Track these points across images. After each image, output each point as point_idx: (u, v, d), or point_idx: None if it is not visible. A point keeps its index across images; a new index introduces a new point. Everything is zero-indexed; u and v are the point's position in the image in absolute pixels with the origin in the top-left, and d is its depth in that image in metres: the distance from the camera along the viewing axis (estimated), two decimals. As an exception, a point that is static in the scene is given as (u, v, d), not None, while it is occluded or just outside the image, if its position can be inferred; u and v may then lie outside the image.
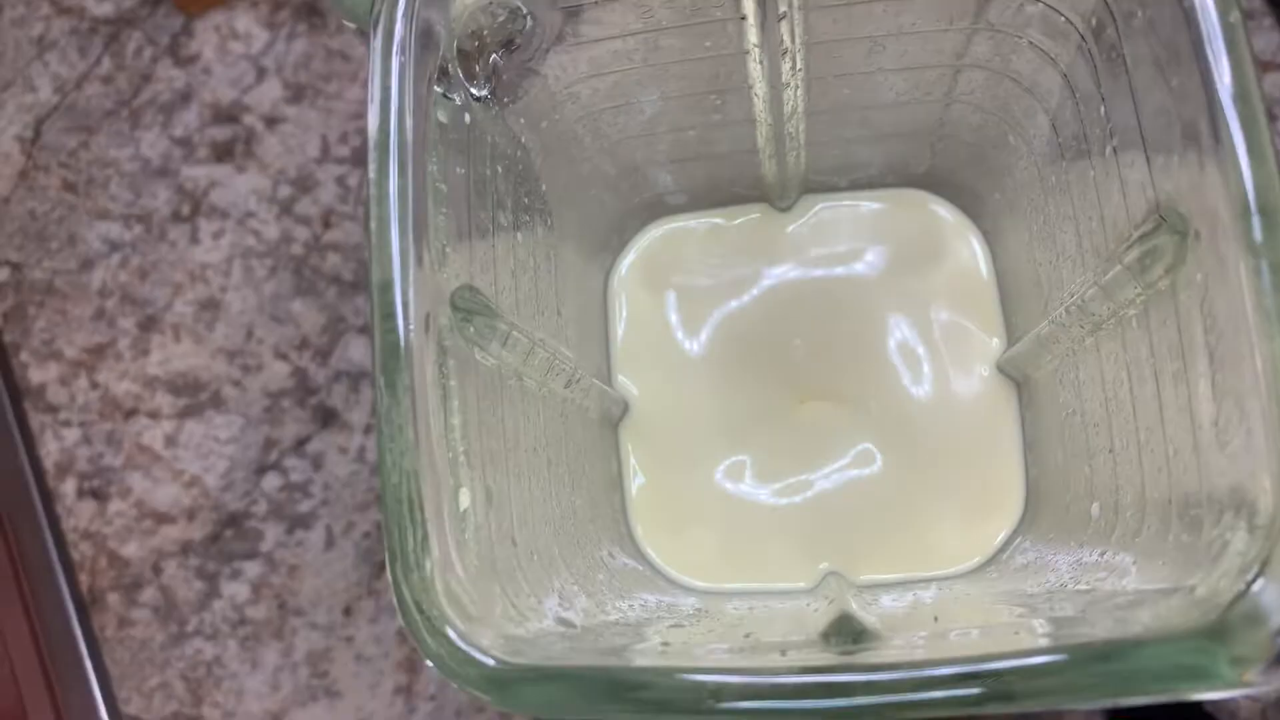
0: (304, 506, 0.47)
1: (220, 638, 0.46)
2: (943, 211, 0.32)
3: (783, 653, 0.19)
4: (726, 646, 0.21)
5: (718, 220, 0.33)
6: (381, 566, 0.45)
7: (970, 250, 0.32)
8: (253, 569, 0.46)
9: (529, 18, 0.23)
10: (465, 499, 0.21)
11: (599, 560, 0.27)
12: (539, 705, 0.17)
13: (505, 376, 0.24)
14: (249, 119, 0.49)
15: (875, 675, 0.17)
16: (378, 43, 0.20)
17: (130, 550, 0.47)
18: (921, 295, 0.32)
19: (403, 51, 0.20)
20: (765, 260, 0.33)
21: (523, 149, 0.25)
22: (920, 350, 0.32)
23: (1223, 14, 0.19)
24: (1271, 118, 0.52)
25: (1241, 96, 0.19)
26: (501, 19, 0.22)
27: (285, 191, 0.49)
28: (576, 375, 0.27)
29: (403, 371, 0.20)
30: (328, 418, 0.47)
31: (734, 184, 0.31)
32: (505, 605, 0.20)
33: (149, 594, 0.46)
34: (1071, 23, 0.23)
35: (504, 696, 0.17)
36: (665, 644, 0.21)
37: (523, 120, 0.25)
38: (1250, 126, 0.19)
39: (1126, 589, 0.20)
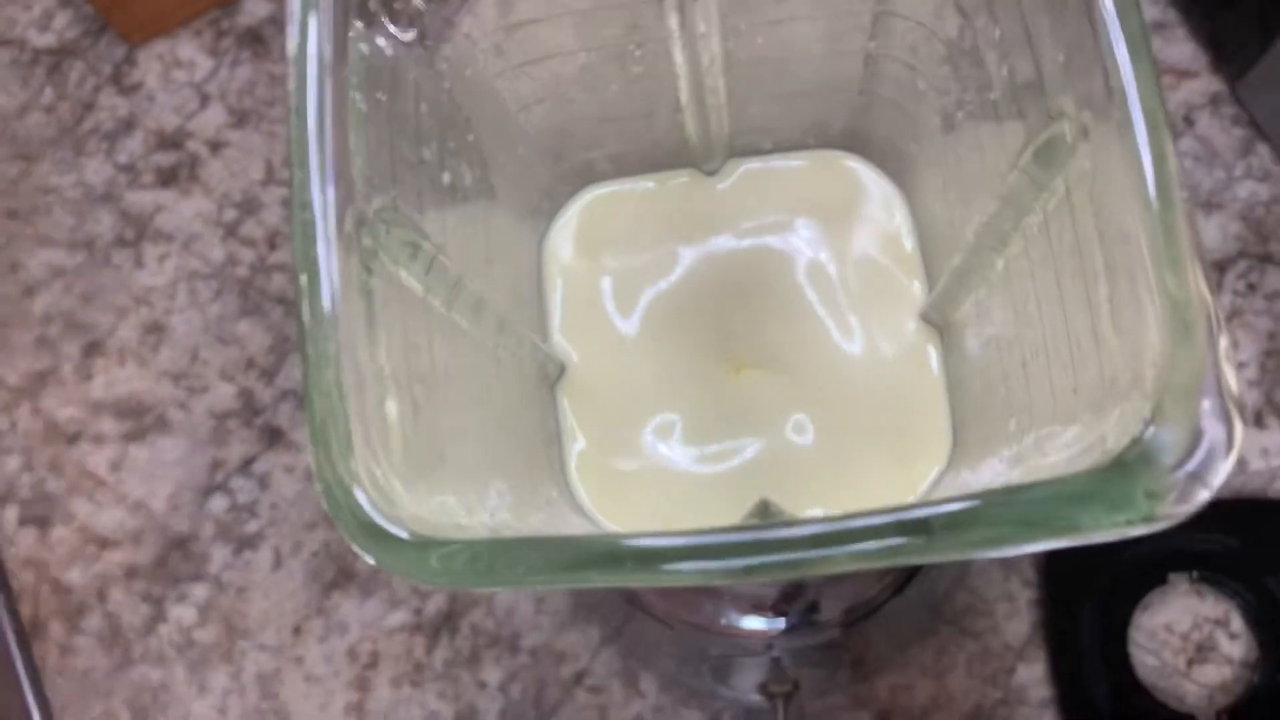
0: (251, 527, 0.46)
1: (167, 662, 0.45)
2: (864, 170, 0.33)
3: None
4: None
5: (648, 184, 0.34)
6: (331, 585, 0.45)
7: (891, 207, 0.33)
8: (200, 592, 0.46)
9: (447, -41, 0.24)
10: (392, 409, 0.21)
11: (535, 503, 0.27)
12: (465, 571, 0.18)
13: (433, 306, 0.24)
14: (193, 144, 0.49)
15: (800, 529, 0.18)
16: (297, -34, 0.21)
17: (73, 577, 0.46)
18: (846, 254, 0.33)
19: (322, -26, 0.21)
20: (695, 225, 0.34)
21: (449, 95, 0.26)
22: (848, 309, 0.33)
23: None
24: (1190, 123, 0.54)
25: (1116, -12, 0.20)
26: (421, -40, 0.23)
27: (230, 215, 0.49)
28: (507, 321, 0.28)
29: (323, 279, 0.20)
30: (274, 437, 0.47)
31: (660, 148, 0.32)
32: (431, 506, 0.21)
33: (93, 621, 0.46)
34: (963, -49, 0.24)
35: (427, 564, 0.18)
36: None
37: (446, 66, 0.26)
38: (1126, 16, 0.20)
39: (1046, 464, 0.21)
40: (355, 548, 0.18)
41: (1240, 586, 0.42)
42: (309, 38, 0.21)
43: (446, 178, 0.26)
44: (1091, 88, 0.21)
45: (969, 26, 0.25)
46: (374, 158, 0.22)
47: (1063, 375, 0.23)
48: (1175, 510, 0.17)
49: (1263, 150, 0.47)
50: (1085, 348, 0.22)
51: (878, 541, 0.18)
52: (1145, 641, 0.42)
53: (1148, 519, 0.17)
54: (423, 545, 0.18)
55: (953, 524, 0.17)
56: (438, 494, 0.21)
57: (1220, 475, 0.18)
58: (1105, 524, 0.17)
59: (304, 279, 0.20)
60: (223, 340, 0.49)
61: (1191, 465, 0.18)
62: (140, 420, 0.48)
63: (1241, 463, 0.43)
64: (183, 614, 0.46)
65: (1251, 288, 0.47)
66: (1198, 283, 0.19)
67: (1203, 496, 0.18)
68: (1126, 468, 0.18)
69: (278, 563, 0.47)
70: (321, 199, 0.20)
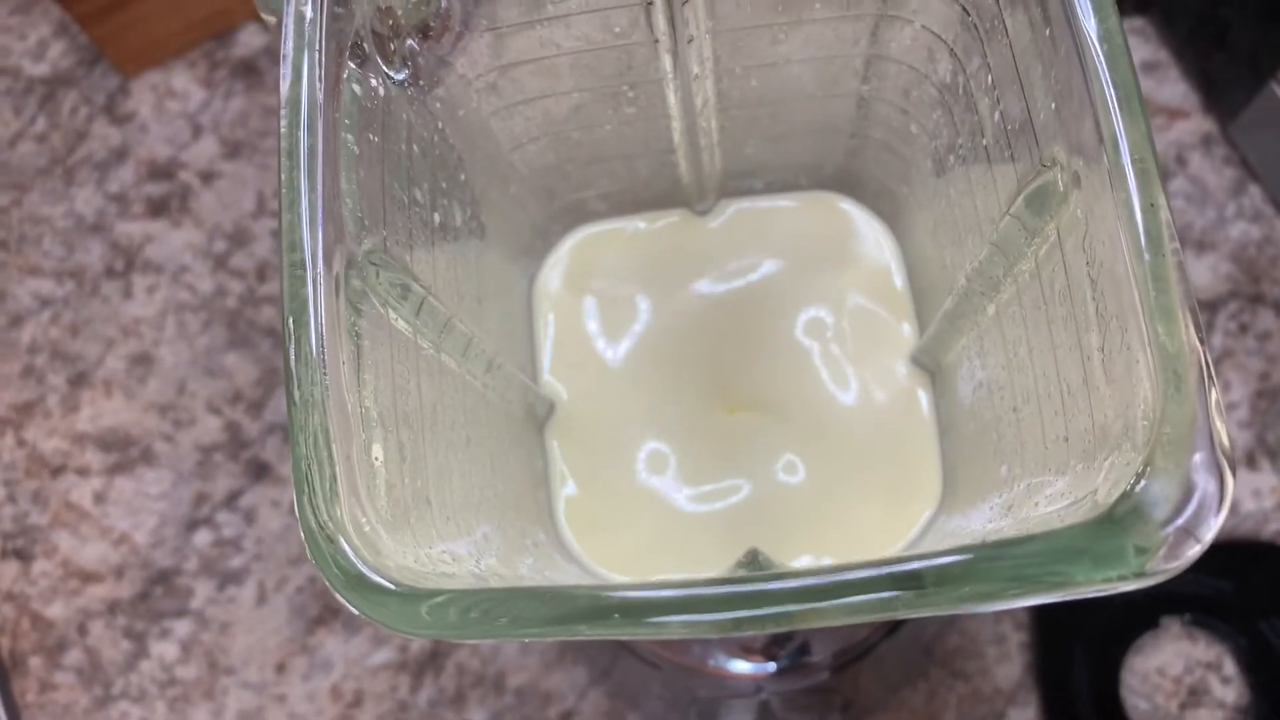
0: (236, 562, 0.46)
1: (148, 699, 0.45)
2: (856, 211, 0.33)
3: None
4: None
5: (640, 224, 0.34)
6: (316, 622, 0.45)
7: (882, 249, 0.33)
8: (182, 627, 0.45)
9: (442, 1, 0.24)
10: (379, 452, 0.21)
11: (522, 546, 0.27)
12: (452, 623, 0.17)
13: (422, 348, 0.24)
14: (185, 175, 0.49)
15: (791, 582, 0.17)
16: (290, 6, 0.21)
17: (55, 611, 0.46)
18: (837, 295, 0.33)
19: (315, 16, 0.21)
20: (687, 265, 0.33)
21: (441, 135, 0.26)
22: (839, 351, 0.33)
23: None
24: (1182, 163, 0.54)
25: (1107, 37, 0.20)
26: (414, 1, 0.23)
27: (221, 246, 0.49)
28: (497, 361, 0.28)
29: (311, 321, 0.20)
30: (260, 471, 0.47)
31: (652, 188, 0.32)
32: (417, 552, 0.20)
33: (73, 656, 0.45)
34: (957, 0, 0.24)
35: (414, 616, 0.17)
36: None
37: (439, 106, 0.26)
38: (1116, 66, 0.20)
39: (1037, 515, 0.21)
40: (341, 599, 0.18)
41: (1233, 630, 0.42)
42: (302, 79, 0.21)
43: (437, 218, 0.26)
44: (1083, 136, 0.21)
45: (961, 71, 0.25)
46: (365, 199, 0.22)
47: (1054, 422, 0.23)
48: (1165, 566, 0.17)
49: (1254, 191, 0.48)
50: (1077, 395, 0.22)
51: (868, 595, 0.17)
52: (1137, 685, 0.41)
53: (1138, 574, 0.17)
54: (409, 597, 0.18)
55: (944, 578, 0.17)
56: (423, 541, 0.21)
57: (1211, 530, 0.18)
58: (1096, 579, 0.17)
59: (291, 322, 0.20)
60: (210, 373, 0.48)
61: (1182, 519, 0.18)
62: (126, 453, 0.48)
63: (1234, 505, 0.43)
64: (165, 650, 0.46)
65: (1243, 328, 0.47)
66: (1189, 334, 0.19)
67: (1194, 551, 0.18)
68: (1117, 522, 0.17)
69: (262, 598, 0.46)
70: (311, 242, 0.20)
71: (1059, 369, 0.22)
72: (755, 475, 0.32)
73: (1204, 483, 0.18)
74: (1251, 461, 0.45)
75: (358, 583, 0.18)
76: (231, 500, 0.47)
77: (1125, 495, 0.18)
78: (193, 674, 0.46)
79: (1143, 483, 0.18)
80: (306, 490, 0.19)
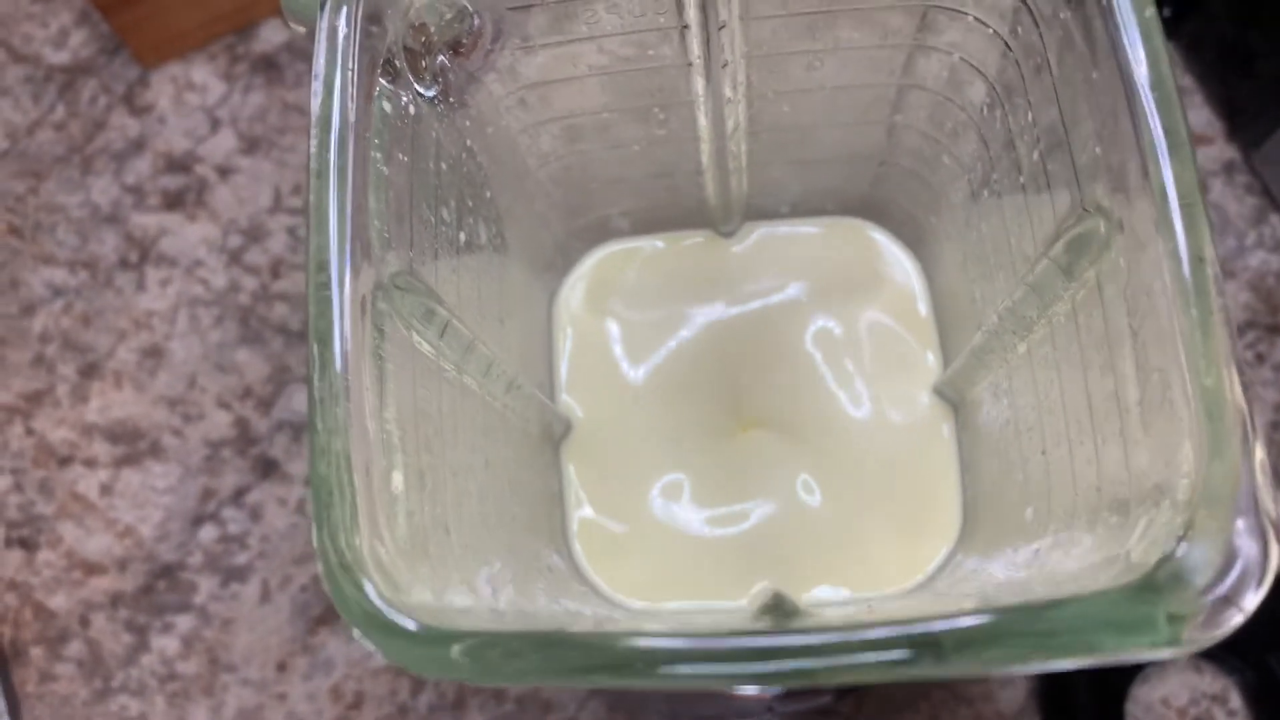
0: (240, 559, 0.46)
1: (147, 694, 0.44)
2: (882, 239, 0.33)
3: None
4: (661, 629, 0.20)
5: (662, 244, 0.33)
6: (318, 621, 0.44)
7: (908, 278, 0.33)
8: (184, 622, 0.45)
9: (475, 17, 0.23)
10: (399, 481, 0.21)
11: (536, 569, 0.27)
12: (469, 668, 0.17)
13: (444, 368, 0.24)
14: (201, 169, 0.49)
15: (807, 638, 0.17)
16: (323, 24, 0.21)
17: (57, 602, 0.46)
18: (860, 323, 0.33)
19: (349, 34, 0.21)
20: (709, 286, 0.33)
21: (468, 151, 0.26)
22: (859, 378, 0.32)
23: (1138, 9, 0.20)
24: (1205, 190, 0.54)
25: (1158, 84, 0.20)
26: (449, 18, 0.23)
27: (235, 241, 0.49)
28: (517, 382, 0.27)
29: (336, 346, 0.20)
30: (268, 469, 0.47)
31: (678, 208, 0.32)
32: (436, 585, 0.20)
33: (74, 648, 0.45)
34: (998, 32, 0.24)
35: (434, 659, 0.17)
36: (598, 624, 0.21)
37: (469, 124, 0.25)
38: (1167, 113, 0.20)
39: (1065, 571, 0.21)
40: (361, 639, 0.17)
41: (1240, 663, 0.41)
42: (334, 98, 0.20)
43: (463, 236, 0.25)
44: (1129, 182, 0.20)
45: (1000, 106, 0.25)
46: (392, 219, 0.22)
47: (1086, 470, 0.22)
48: (1202, 635, 0.17)
49: (1275, 220, 0.47)
50: (1111, 446, 0.21)
51: (892, 653, 0.17)
52: (1142, 715, 0.41)
53: (1171, 644, 0.17)
54: (433, 640, 0.17)
55: (968, 641, 0.17)
56: (440, 571, 0.21)
57: (1255, 598, 0.17)
58: (1127, 647, 0.17)
59: (316, 347, 0.19)
60: (221, 368, 0.48)
61: (1224, 587, 0.17)
62: (134, 445, 0.47)
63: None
64: (166, 644, 0.45)
65: (1260, 358, 0.46)
66: (1235, 393, 0.18)
67: (1235, 620, 0.17)
68: (1156, 588, 0.17)
69: (265, 596, 0.46)
70: (339, 265, 0.20)
71: (1093, 416, 0.22)
72: (771, 497, 0.32)
73: (1247, 548, 0.17)
74: (1266, 494, 0.44)
75: (379, 623, 0.17)
76: (238, 497, 0.47)
77: (1165, 559, 0.17)
78: (193, 670, 0.45)
79: (1184, 546, 0.17)
80: (326, 523, 0.18)
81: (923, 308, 0.33)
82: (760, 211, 0.33)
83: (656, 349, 0.33)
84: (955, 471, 0.31)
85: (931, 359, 0.32)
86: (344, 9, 0.21)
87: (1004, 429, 0.27)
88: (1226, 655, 0.41)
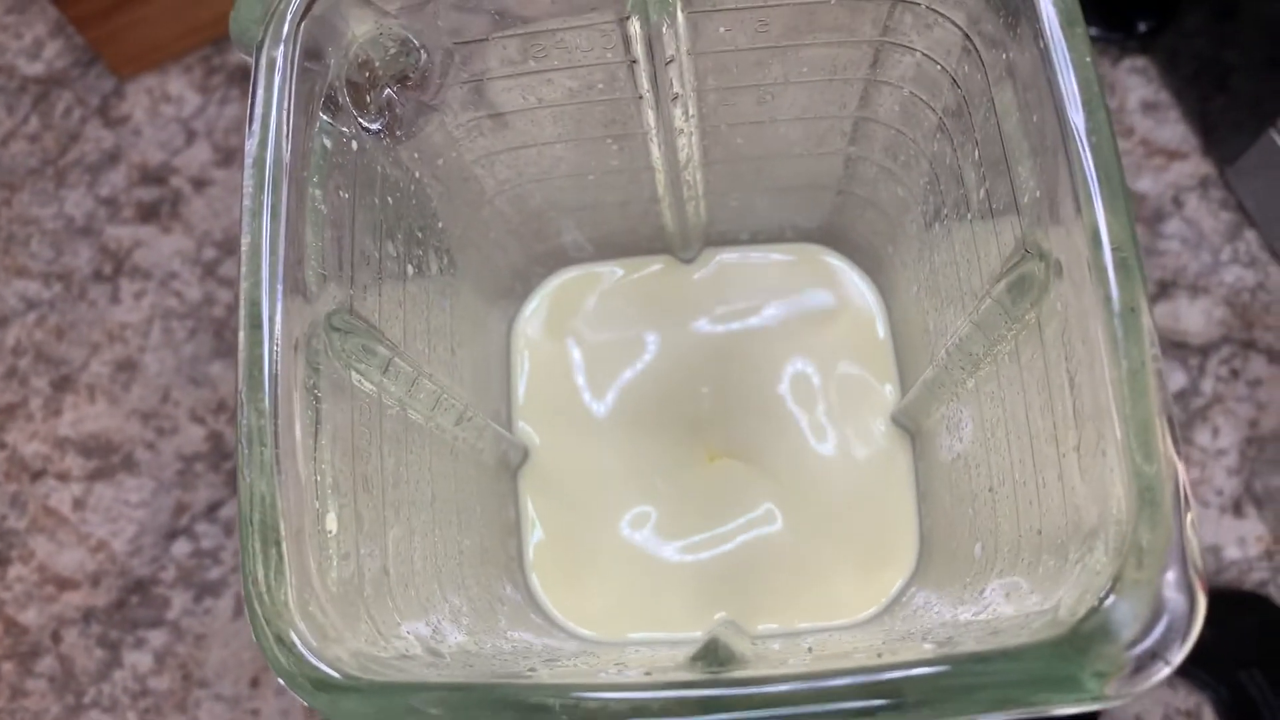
0: (214, 574, 0.45)
1: (119, 709, 0.44)
2: (841, 266, 0.33)
3: (647, 673, 0.18)
4: (596, 678, 0.20)
5: (621, 271, 0.33)
6: (291, 636, 0.44)
7: (867, 305, 0.32)
8: (157, 638, 0.45)
9: (422, 51, 0.23)
10: (333, 523, 0.21)
11: (486, 605, 0.26)
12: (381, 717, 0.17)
13: (386, 405, 0.24)
14: (177, 181, 0.49)
15: (767, 688, 0.17)
16: (261, 61, 0.20)
17: (29, 617, 0.45)
18: (820, 349, 0.33)
19: (285, 72, 0.21)
20: (669, 312, 0.33)
21: (417, 183, 0.25)
22: (820, 405, 0.32)
23: (1077, 56, 0.20)
24: (1178, 204, 0.54)
25: (1094, 130, 0.19)
26: (393, 52, 0.23)
27: (210, 254, 0.48)
28: (468, 414, 0.27)
29: (266, 388, 0.19)
30: (242, 482, 0.47)
31: (637, 234, 0.32)
32: (370, 630, 0.20)
33: (46, 663, 0.45)
34: (946, 70, 0.24)
35: (358, 714, 0.17)
36: (532, 670, 0.20)
37: (417, 155, 0.25)
38: (1103, 162, 0.19)
39: (1003, 616, 0.20)
40: (294, 694, 0.17)
41: (1212, 679, 0.41)
42: (269, 138, 0.20)
43: (410, 268, 0.25)
44: (1066, 229, 0.20)
45: (949, 141, 0.25)
46: (330, 258, 0.21)
47: (1029, 512, 0.22)
48: (1127, 689, 0.17)
49: (1250, 236, 0.47)
50: (1051, 489, 0.21)
51: (847, 703, 0.17)
52: (1114, 735, 0.41)
53: (1097, 699, 0.17)
54: (355, 691, 0.17)
55: (926, 694, 0.17)
56: (380, 616, 0.21)
57: (1181, 652, 0.17)
58: (1054, 702, 0.17)
59: (245, 390, 0.19)
60: (195, 381, 0.48)
61: (1150, 640, 0.17)
62: (107, 459, 0.47)
63: (1217, 552, 0.43)
64: (138, 660, 0.45)
65: (1234, 374, 0.46)
66: (1167, 448, 0.18)
67: (1162, 674, 0.17)
68: (1077, 643, 0.17)
69: (239, 611, 0.46)
70: (270, 307, 0.20)
71: (1034, 458, 0.22)
72: (731, 526, 0.32)
73: (1175, 602, 0.17)
74: (1238, 509, 0.44)
75: (305, 676, 0.17)
76: (211, 511, 0.47)
77: (1092, 611, 0.17)
78: (165, 685, 0.45)
79: (1110, 598, 0.17)
80: (251, 573, 0.18)
81: (880, 334, 0.32)
82: (721, 238, 0.33)
83: (616, 376, 0.33)
84: (913, 499, 0.31)
85: (889, 388, 0.32)
86: (281, 46, 0.21)
87: (955, 462, 0.27)
88: (1200, 673, 0.41)
